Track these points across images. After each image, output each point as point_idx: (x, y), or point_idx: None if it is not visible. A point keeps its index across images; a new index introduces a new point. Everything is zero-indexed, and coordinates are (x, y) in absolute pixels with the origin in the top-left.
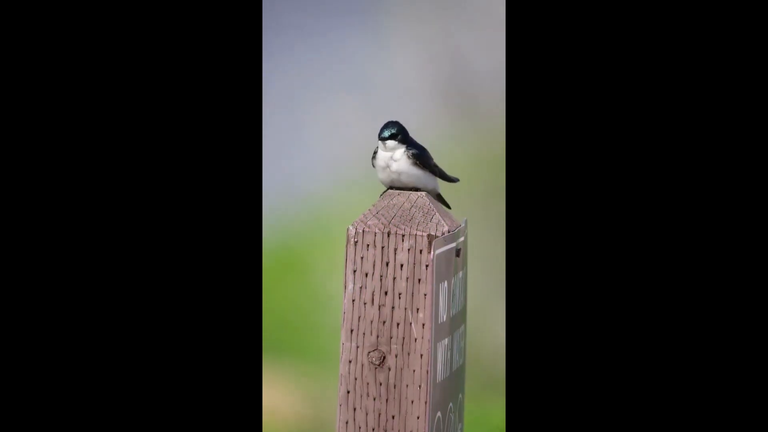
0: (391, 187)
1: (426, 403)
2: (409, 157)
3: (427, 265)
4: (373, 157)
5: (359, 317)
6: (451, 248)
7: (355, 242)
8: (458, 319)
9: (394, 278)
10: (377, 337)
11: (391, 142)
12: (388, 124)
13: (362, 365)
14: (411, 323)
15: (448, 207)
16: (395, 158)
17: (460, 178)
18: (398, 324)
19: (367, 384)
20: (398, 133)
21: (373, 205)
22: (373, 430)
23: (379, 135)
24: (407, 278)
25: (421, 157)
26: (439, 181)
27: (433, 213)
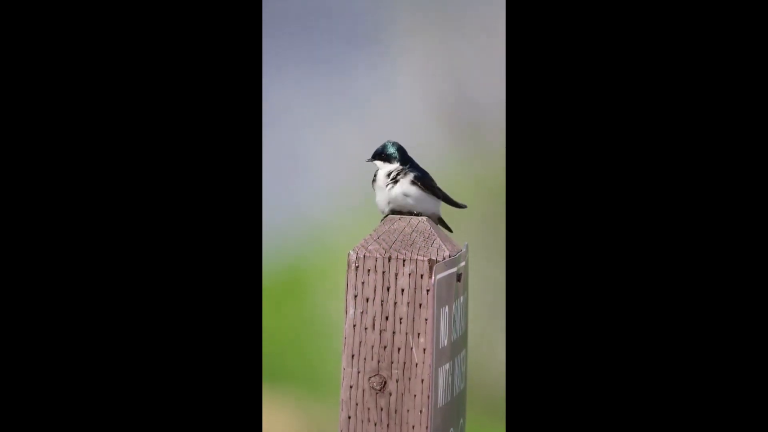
0: (392, 212)
1: (427, 428)
2: (409, 175)
3: (428, 290)
4: (373, 181)
5: (360, 342)
6: (452, 273)
7: (356, 267)
8: (459, 343)
9: (395, 303)
10: (378, 362)
11: (380, 162)
12: (381, 147)
13: (363, 390)
14: (412, 348)
15: (450, 230)
16: (398, 177)
17: (466, 201)
18: (399, 349)
19: (368, 409)
20: (388, 153)
21: (374, 230)
22: None
23: (378, 154)
24: (408, 303)
25: (422, 178)
26: (443, 205)
27: (434, 238)
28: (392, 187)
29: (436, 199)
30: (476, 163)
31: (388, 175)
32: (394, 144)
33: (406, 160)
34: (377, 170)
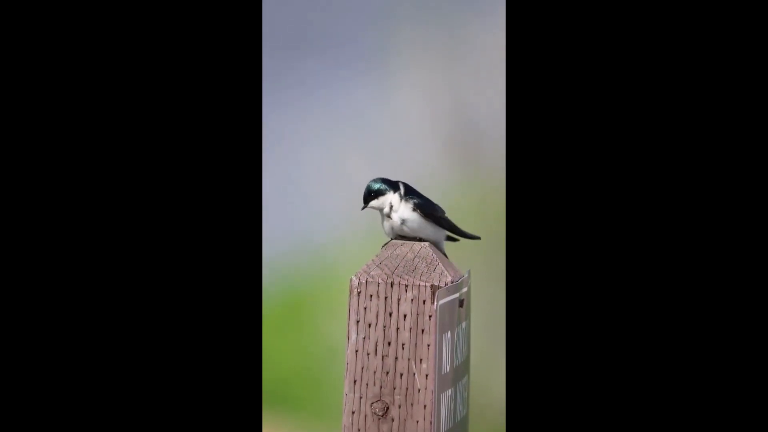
0: (395, 237)
1: None
2: (408, 203)
3: (430, 316)
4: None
5: (362, 368)
6: (455, 299)
7: (359, 293)
8: (461, 369)
9: (398, 329)
10: (380, 387)
11: (374, 202)
12: (369, 184)
13: (365, 416)
14: (414, 374)
15: (445, 256)
16: (394, 205)
17: (464, 226)
18: (401, 375)
19: None
20: (374, 190)
21: (377, 256)
22: None
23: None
24: (410, 329)
25: (422, 205)
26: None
27: (437, 263)
28: (393, 213)
29: (438, 227)
30: (479, 188)
31: (390, 206)
32: (375, 180)
33: (394, 185)
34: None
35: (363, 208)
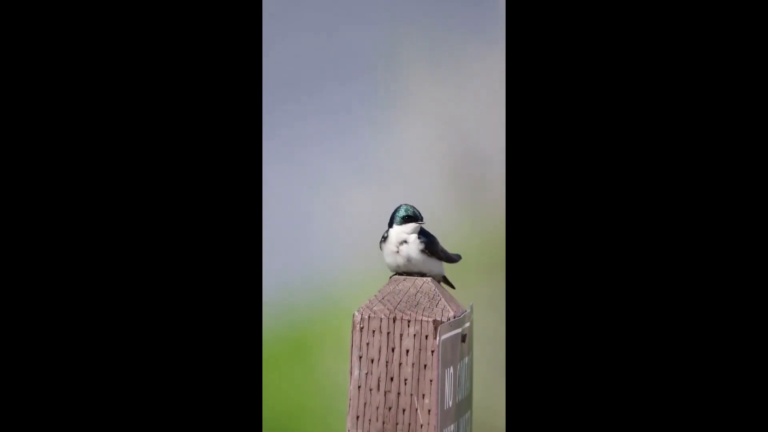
0: (397, 273)
1: None
2: (419, 244)
3: (432, 351)
4: (383, 241)
5: (365, 403)
6: (457, 334)
7: (361, 328)
8: (464, 404)
9: (400, 364)
10: (383, 423)
11: (411, 224)
12: (405, 206)
13: None
14: (417, 409)
15: (452, 287)
16: (408, 241)
17: (467, 258)
18: (404, 410)
19: None
20: (414, 215)
21: (379, 291)
22: None
23: (396, 217)
24: (413, 364)
25: (430, 245)
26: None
27: (439, 298)
28: (402, 249)
29: (439, 262)
30: (482, 219)
31: (401, 241)
32: (411, 207)
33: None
34: (389, 230)
35: (398, 224)
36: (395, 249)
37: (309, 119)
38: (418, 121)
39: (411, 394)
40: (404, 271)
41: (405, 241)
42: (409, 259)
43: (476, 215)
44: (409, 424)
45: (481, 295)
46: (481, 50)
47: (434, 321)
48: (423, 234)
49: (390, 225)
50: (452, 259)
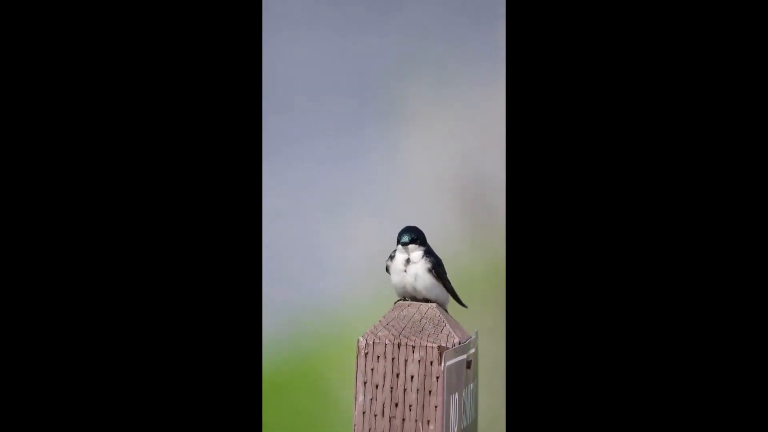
0: (402, 297)
1: None
2: (426, 263)
3: (437, 377)
4: (389, 260)
5: (369, 429)
6: (462, 360)
7: (366, 354)
8: (469, 431)
9: (405, 390)
10: None
11: (412, 246)
12: (408, 229)
13: None
14: None
15: (464, 306)
16: (413, 260)
17: (471, 283)
18: None
19: None
20: (417, 237)
21: (384, 317)
22: None
23: (399, 239)
24: (418, 390)
25: (437, 266)
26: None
27: (444, 324)
28: (409, 268)
29: (445, 289)
30: (486, 247)
31: (407, 259)
32: (414, 229)
33: (425, 242)
34: (395, 251)
35: (404, 243)
36: (402, 268)
37: (311, 142)
38: (421, 145)
39: (416, 420)
40: (410, 294)
41: (411, 261)
42: (416, 278)
43: (481, 239)
44: None
45: (484, 321)
46: (484, 73)
47: (439, 347)
48: (430, 254)
49: (397, 245)
50: (457, 297)
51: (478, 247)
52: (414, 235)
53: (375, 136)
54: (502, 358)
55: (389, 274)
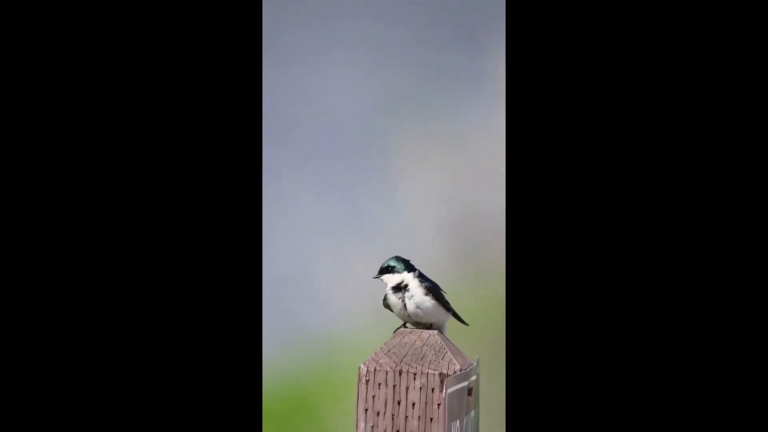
0: (404, 323)
1: None
2: (422, 288)
3: (439, 404)
4: (385, 300)
5: None
6: (463, 387)
7: (367, 381)
8: None
9: (406, 417)
10: None
11: (386, 276)
12: (390, 259)
13: None
14: None
15: (465, 324)
16: (412, 292)
17: (469, 318)
18: None
19: None
20: (388, 266)
21: (385, 344)
22: None
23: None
24: (419, 417)
25: (433, 289)
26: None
27: (445, 351)
28: (406, 299)
29: (445, 311)
30: (483, 280)
31: (397, 288)
32: (394, 258)
33: (410, 268)
34: (386, 293)
35: (375, 277)
36: (401, 303)
37: (306, 176)
38: (418, 182)
39: None
40: (412, 321)
41: (406, 288)
42: (418, 306)
43: (476, 276)
44: None
45: (482, 357)
46: (481, 111)
47: (440, 374)
48: (424, 279)
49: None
50: (458, 316)
51: (476, 285)
52: (385, 264)
53: (371, 174)
54: (502, 394)
55: (391, 310)
